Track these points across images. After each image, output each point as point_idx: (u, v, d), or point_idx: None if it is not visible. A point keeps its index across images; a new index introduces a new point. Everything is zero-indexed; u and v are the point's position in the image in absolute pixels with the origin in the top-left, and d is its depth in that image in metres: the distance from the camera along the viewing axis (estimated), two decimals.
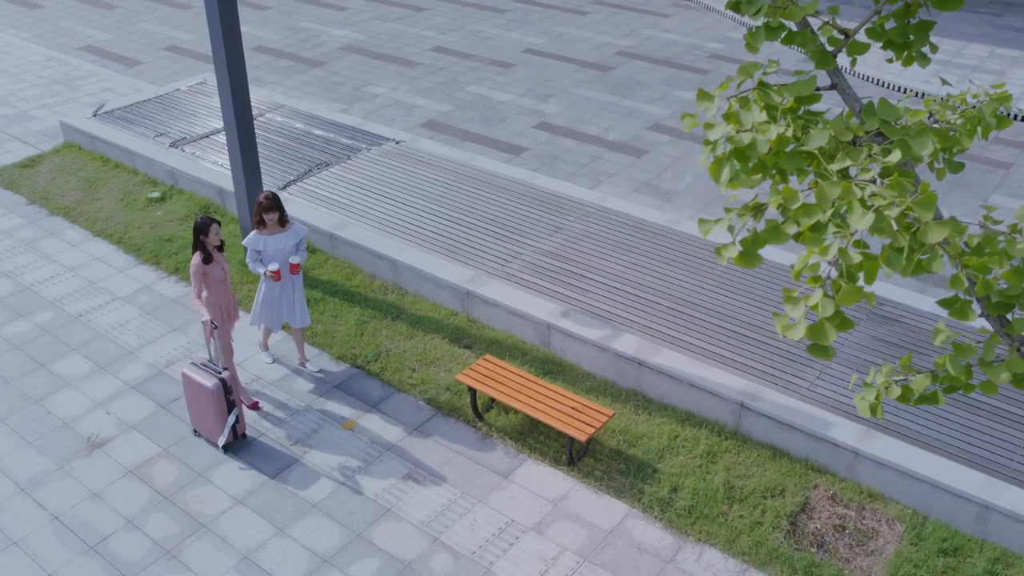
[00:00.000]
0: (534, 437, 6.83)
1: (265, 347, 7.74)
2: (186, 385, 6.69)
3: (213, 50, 7.69)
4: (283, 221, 7.16)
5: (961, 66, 13.41)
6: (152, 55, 15.02)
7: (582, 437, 6.28)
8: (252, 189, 8.58)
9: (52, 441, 6.92)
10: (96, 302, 8.53)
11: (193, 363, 6.69)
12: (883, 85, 13.00)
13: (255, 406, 7.19)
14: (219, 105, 11.87)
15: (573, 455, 6.55)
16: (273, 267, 6.99)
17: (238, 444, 6.83)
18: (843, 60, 13.73)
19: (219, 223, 6.82)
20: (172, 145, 10.75)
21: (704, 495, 6.24)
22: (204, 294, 6.75)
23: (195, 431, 6.93)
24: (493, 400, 7.13)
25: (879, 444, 6.20)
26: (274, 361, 7.73)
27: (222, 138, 10.92)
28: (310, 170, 10.14)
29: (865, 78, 13.29)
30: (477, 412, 7.01)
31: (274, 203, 7.06)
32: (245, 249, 8.61)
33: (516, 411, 7.05)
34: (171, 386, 7.46)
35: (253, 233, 7.12)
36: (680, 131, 11.93)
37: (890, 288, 7.96)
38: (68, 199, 10.28)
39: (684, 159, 11.17)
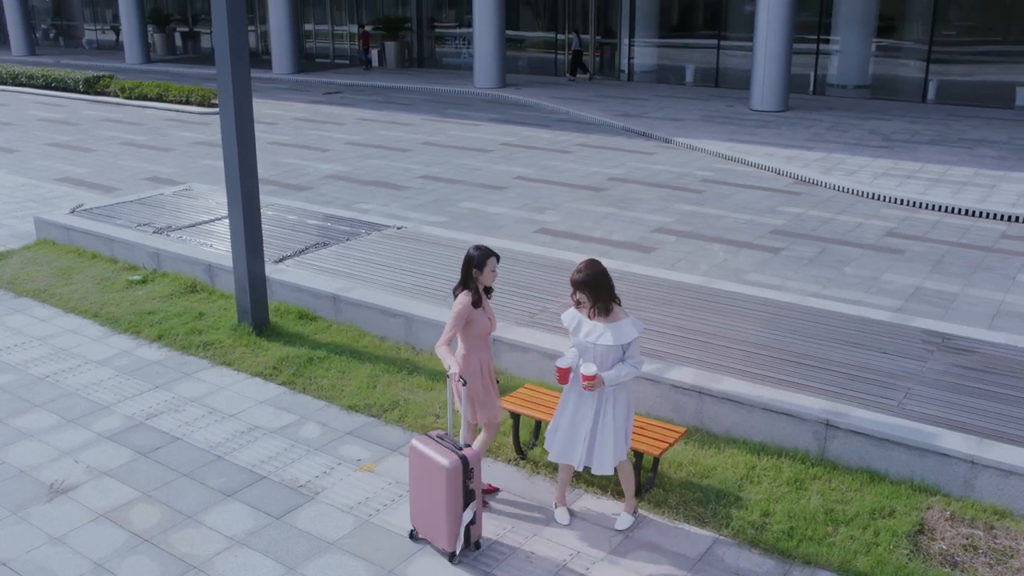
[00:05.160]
0: (588, 471, 5.82)
1: (562, 500, 5.38)
2: (413, 464, 4.96)
3: (218, 60, 7.22)
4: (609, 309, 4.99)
5: (952, 182, 13.52)
6: (131, 184, 14.58)
7: (655, 451, 5.33)
8: (254, 256, 7.82)
9: (5, 489, 5.71)
10: (66, 365, 7.49)
11: (428, 435, 5.01)
12: (855, 193, 12.97)
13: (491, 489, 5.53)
14: (207, 205, 11.32)
15: (640, 483, 5.54)
16: (589, 368, 4.85)
17: (470, 554, 5.01)
18: None
19: (498, 257, 5.17)
20: (156, 232, 10.05)
21: (802, 517, 5.24)
22: (461, 352, 5.21)
23: (412, 533, 5.15)
24: (536, 436, 6.15)
25: (999, 451, 5.33)
26: (571, 522, 5.32)
27: (210, 227, 10.27)
28: (307, 248, 9.46)
29: (838, 188, 13.28)
30: (519, 448, 6.01)
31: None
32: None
33: None
34: (154, 436, 6.35)
35: (571, 310, 5.15)
36: (688, 233, 11.58)
37: (958, 327, 7.34)
38: (38, 284, 9.39)
39: (696, 254, 10.74)
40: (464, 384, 4.98)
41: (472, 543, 5.00)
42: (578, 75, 26.38)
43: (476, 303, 5.13)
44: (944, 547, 5.02)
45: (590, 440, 5.03)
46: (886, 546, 4.99)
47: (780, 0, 19.46)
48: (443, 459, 4.78)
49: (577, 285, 4.93)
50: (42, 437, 6.34)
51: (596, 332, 4.94)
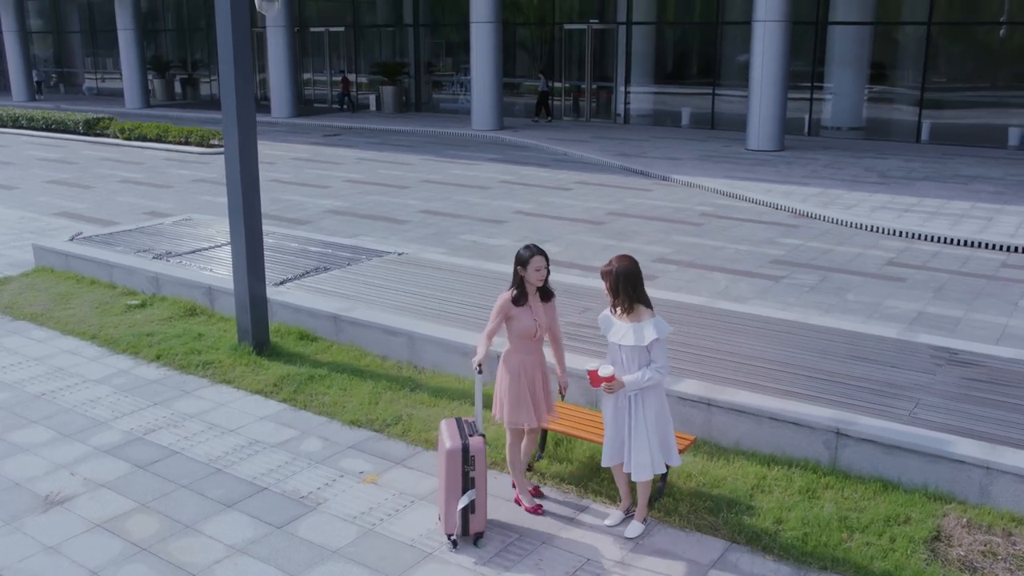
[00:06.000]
0: (597, 482, 5.70)
1: (624, 505, 5.30)
2: (439, 443, 5.12)
3: (221, 76, 7.24)
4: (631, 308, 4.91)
5: (949, 215, 13.58)
6: (130, 218, 14.57)
7: None
8: (255, 276, 7.76)
9: None
10: (63, 384, 7.38)
11: (458, 419, 5.13)
12: (854, 226, 13.00)
13: (537, 510, 5.36)
14: (207, 234, 11.30)
15: (651, 492, 5.42)
16: (606, 370, 4.81)
17: (470, 545, 5.02)
18: None
19: (547, 257, 5.15)
20: (155, 257, 10.01)
21: (816, 524, 5.13)
22: (508, 349, 5.19)
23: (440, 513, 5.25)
24: (542, 448, 6.04)
25: (1015, 457, 5.25)
26: (618, 524, 5.23)
27: (210, 253, 10.23)
28: (308, 272, 9.41)
29: (836, 221, 13.31)
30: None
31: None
32: None
33: (570, 459, 5.96)
34: (153, 450, 6.23)
35: (605, 312, 5.10)
36: (688, 263, 11.57)
37: (965, 343, 7.29)
38: (36, 308, 9.30)
39: (697, 282, 10.72)
40: (479, 372, 4.99)
41: (472, 534, 4.97)
42: (542, 116, 27.23)
43: (517, 301, 5.11)
44: (962, 553, 4.91)
45: (629, 444, 4.98)
46: (903, 552, 4.88)
47: (775, 39, 19.77)
48: (449, 442, 4.86)
49: (603, 274, 4.94)
50: (38, 451, 6.22)
51: (620, 332, 4.91)
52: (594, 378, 4.90)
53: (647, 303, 4.95)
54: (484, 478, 4.94)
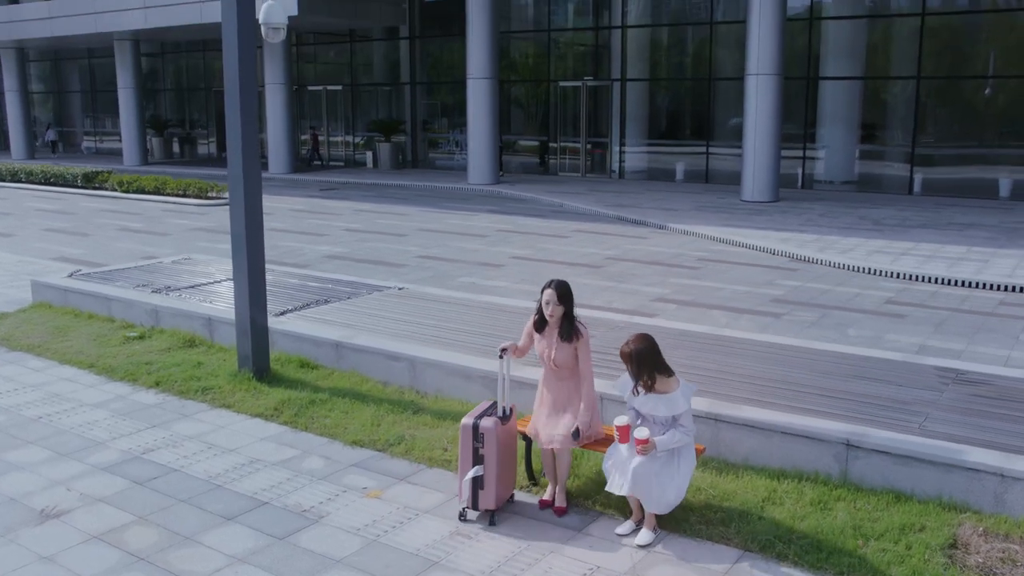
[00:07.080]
0: (605, 495, 5.59)
1: (637, 518, 5.27)
2: None
3: (226, 72, 7.30)
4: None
5: (945, 258, 13.67)
6: (128, 262, 14.55)
7: None
8: (256, 303, 7.73)
9: None
10: (60, 408, 7.28)
11: (495, 401, 5.47)
12: (851, 269, 13.07)
13: (546, 504, 5.48)
14: (207, 271, 11.28)
15: None
16: (642, 432, 4.98)
17: (486, 524, 5.25)
18: None
19: (566, 290, 5.27)
20: (154, 291, 9.97)
21: (831, 531, 5.03)
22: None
23: None
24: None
25: None
26: (629, 533, 5.16)
27: (209, 288, 10.19)
28: (308, 304, 9.37)
29: (833, 264, 13.38)
30: (532, 474, 5.81)
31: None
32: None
33: (578, 474, 5.86)
34: (151, 468, 6.11)
35: (625, 375, 5.29)
36: (688, 302, 11.58)
37: (971, 364, 7.26)
38: (33, 340, 9.22)
39: (698, 319, 10.68)
40: (501, 357, 5.36)
41: (481, 509, 5.25)
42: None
43: (537, 327, 5.41)
44: (981, 560, 4.80)
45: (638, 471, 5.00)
46: (920, 558, 4.78)
47: (768, 92, 20.14)
48: (466, 418, 5.21)
49: (623, 357, 5.11)
50: (34, 469, 6.10)
51: (649, 404, 5.09)
52: (624, 434, 5.03)
53: (668, 372, 5.10)
54: (495, 457, 5.12)
